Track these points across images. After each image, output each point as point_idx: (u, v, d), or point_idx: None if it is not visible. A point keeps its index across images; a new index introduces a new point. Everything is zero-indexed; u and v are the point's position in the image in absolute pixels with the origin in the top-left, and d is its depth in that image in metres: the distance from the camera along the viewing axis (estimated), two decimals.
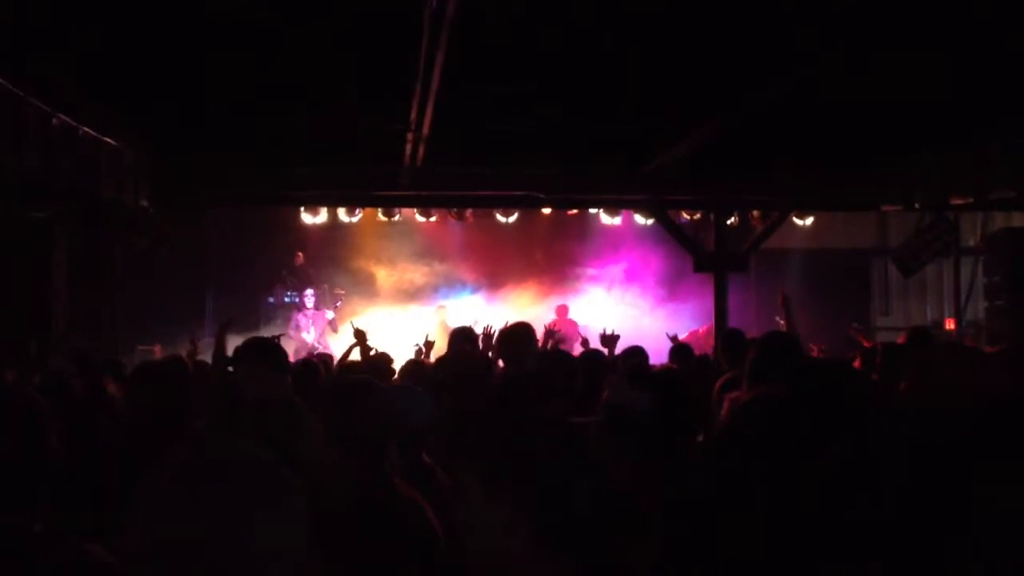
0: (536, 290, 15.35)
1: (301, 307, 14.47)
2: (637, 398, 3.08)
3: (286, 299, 15.04)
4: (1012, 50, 6.36)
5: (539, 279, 15.50)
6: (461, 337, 6.55)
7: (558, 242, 15.67)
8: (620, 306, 15.25)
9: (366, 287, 15.15)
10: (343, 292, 15.17)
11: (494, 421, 3.34)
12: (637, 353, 6.84)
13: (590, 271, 15.87)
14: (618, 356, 7.10)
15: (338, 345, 11.28)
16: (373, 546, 2.78)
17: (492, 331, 7.40)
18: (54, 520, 2.16)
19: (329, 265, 15.38)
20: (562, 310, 14.76)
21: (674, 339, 8.41)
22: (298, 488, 1.46)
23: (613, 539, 2.08)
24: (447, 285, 15.33)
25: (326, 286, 15.23)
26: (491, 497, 2.00)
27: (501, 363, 6.33)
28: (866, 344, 7.72)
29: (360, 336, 7.78)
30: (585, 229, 15.62)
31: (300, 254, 15.24)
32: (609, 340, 7.68)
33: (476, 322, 7.42)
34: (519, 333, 6.08)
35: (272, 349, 4.67)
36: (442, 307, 14.71)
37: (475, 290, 15.35)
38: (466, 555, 2.07)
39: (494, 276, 15.50)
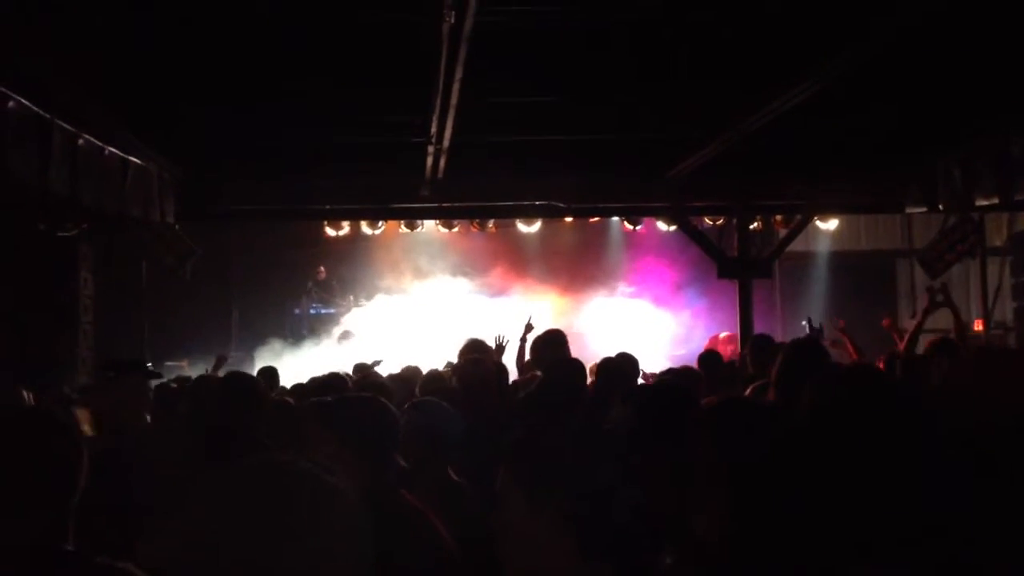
0: (561, 298, 15.35)
1: None
2: (622, 415, 3.15)
3: (312, 311, 15.16)
4: None
5: (564, 287, 15.49)
6: (469, 348, 6.56)
7: (582, 249, 15.66)
8: (639, 312, 15.23)
9: (392, 300, 15.18)
10: (366, 304, 15.27)
11: (533, 428, 3.38)
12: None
13: (610, 277, 15.85)
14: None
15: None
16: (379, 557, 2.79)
17: (504, 343, 7.48)
18: (85, 539, 2.19)
19: (356, 279, 15.48)
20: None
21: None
22: (356, 501, 1.46)
23: (651, 547, 2.09)
24: (475, 294, 15.31)
25: (351, 297, 15.32)
26: (533, 506, 2.00)
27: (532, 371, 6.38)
28: (898, 342, 7.67)
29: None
30: (608, 236, 15.66)
31: (322, 269, 15.32)
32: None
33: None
34: (552, 339, 6.14)
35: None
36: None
37: (502, 299, 15.33)
38: (504, 567, 2.07)
39: (519, 285, 15.50)
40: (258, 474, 1.46)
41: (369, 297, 15.30)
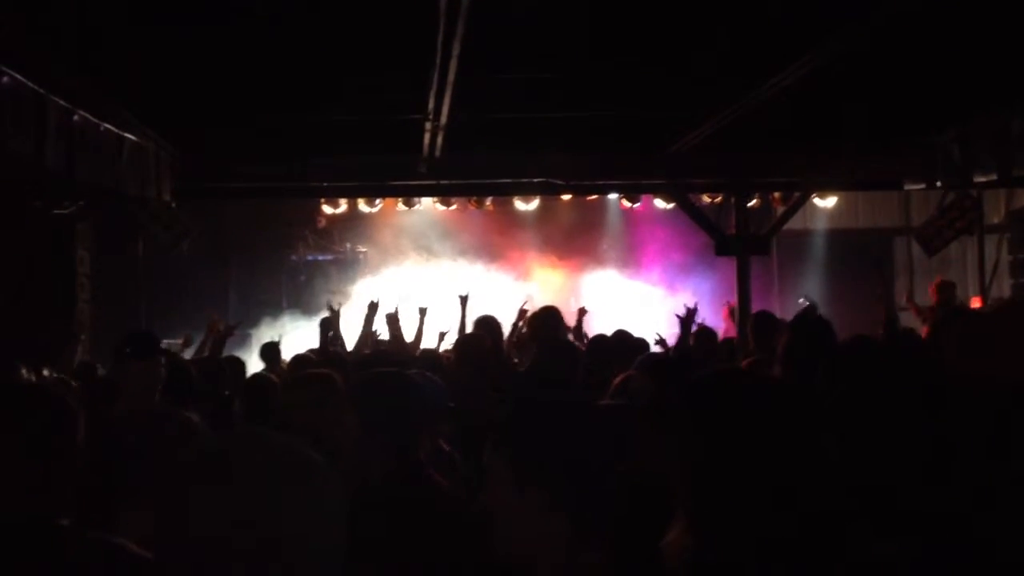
0: (560, 274, 15.37)
1: None
2: (642, 386, 3.14)
3: (309, 258, 15.25)
4: None
5: (564, 265, 15.50)
6: (478, 324, 6.59)
7: (581, 226, 15.65)
8: (637, 289, 15.24)
9: (394, 273, 15.18)
10: (365, 250, 15.34)
11: (522, 402, 3.39)
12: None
13: (609, 254, 15.85)
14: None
15: None
16: (413, 537, 2.78)
17: (528, 307, 7.66)
18: (81, 514, 2.19)
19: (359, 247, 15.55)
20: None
21: (660, 342, 8.02)
22: (329, 473, 1.45)
23: (642, 522, 2.08)
24: (477, 271, 15.31)
25: (348, 245, 15.40)
26: (520, 481, 1.99)
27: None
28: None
29: (372, 309, 7.73)
30: (608, 215, 15.65)
31: (322, 217, 15.39)
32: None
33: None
34: (549, 316, 6.19)
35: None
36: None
37: (504, 276, 15.33)
38: (496, 540, 2.07)
39: (521, 262, 15.52)
40: (232, 444, 1.45)
41: (367, 254, 15.37)
